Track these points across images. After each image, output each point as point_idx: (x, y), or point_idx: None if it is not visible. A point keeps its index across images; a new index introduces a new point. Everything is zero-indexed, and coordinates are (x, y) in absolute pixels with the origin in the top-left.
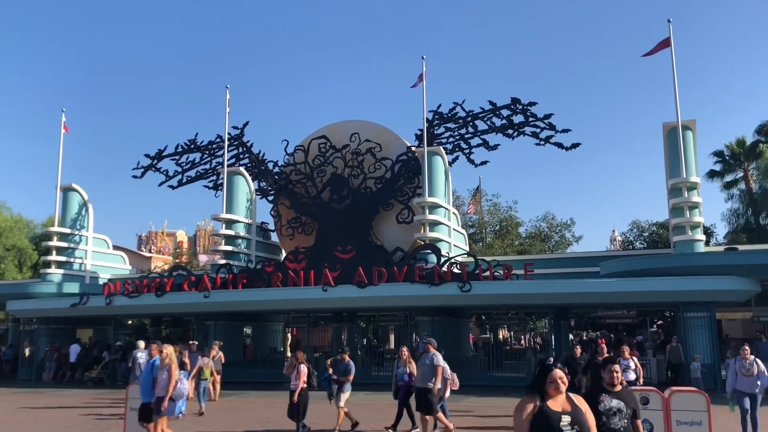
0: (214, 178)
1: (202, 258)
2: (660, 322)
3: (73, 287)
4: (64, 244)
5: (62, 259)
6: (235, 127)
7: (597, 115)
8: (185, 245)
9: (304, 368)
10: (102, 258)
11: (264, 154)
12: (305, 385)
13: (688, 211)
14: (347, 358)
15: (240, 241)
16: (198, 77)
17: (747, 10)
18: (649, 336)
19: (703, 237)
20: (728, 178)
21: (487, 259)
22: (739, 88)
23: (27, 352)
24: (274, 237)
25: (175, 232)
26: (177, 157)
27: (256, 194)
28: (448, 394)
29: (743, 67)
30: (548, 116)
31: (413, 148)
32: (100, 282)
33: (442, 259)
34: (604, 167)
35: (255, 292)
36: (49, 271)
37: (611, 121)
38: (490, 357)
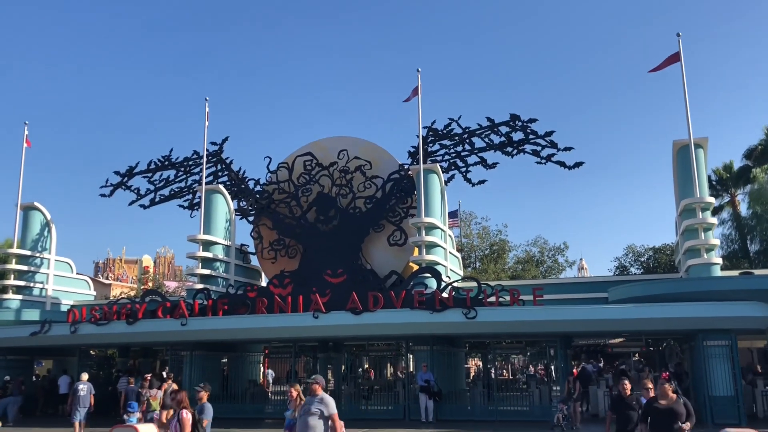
0: (190, 197)
1: (170, 284)
2: (640, 350)
3: (32, 314)
4: (24, 267)
5: (21, 283)
6: (213, 143)
7: (593, 137)
8: (151, 270)
9: (186, 415)
10: (65, 283)
11: (245, 172)
12: None
13: (702, 233)
14: (204, 396)
15: (218, 264)
16: (174, 88)
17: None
18: (632, 365)
19: (719, 260)
20: (716, 203)
21: (491, 283)
22: (724, 111)
23: None
24: (254, 260)
25: (136, 258)
26: (150, 175)
27: (236, 214)
28: None
29: (732, 93)
30: (549, 133)
31: (405, 167)
32: (63, 308)
33: (443, 284)
34: (597, 190)
35: (238, 319)
36: (6, 296)
37: (608, 143)
38: (489, 389)
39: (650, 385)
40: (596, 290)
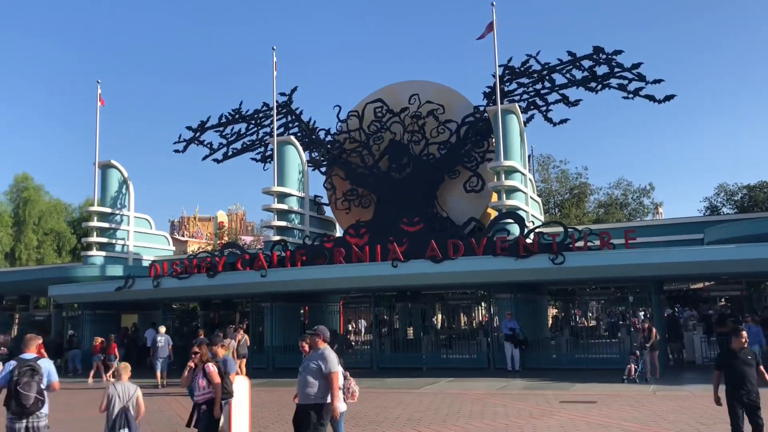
0: (262, 149)
1: (245, 239)
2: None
3: (116, 270)
4: (105, 225)
5: (104, 240)
6: (282, 94)
7: (680, 66)
8: (227, 225)
9: (212, 368)
10: (145, 239)
11: (315, 122)
12: (223, 395)
13: None
14: (220, 350)
15: (293, 216)
16: (241, 38)
17: None
18: (718, 311)
19: None
20: None
21: (579, 227)
22: None
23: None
24: (328, 211)
25: (209, 216)
26: (221, 129)
27: (308, 165)
28: (343, 408)
29: None
30: (637, 66)
31: (481, 108)
32: (144, 264)
33: (526, 229)
34: (678, 128)
35: (317, 269)
36: (90, 253)
37: (694, 74)
38: (577, 337)
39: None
40: (690, 231)
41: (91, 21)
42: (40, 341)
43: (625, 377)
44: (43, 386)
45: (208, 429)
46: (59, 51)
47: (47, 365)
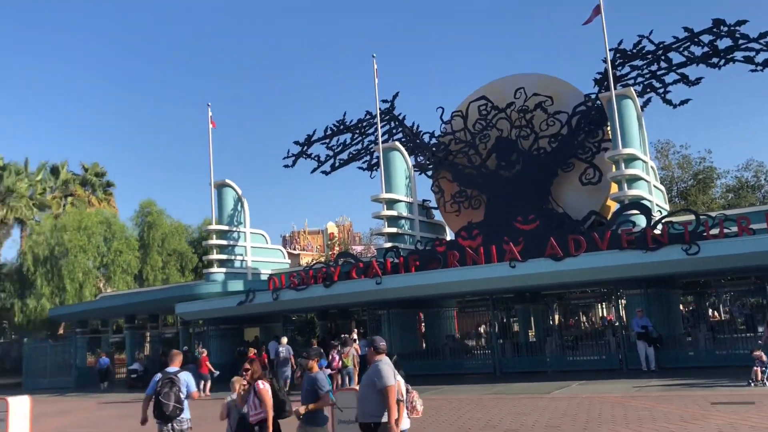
0: (368, 158)
1: (356, 248)
2: None
3: (236, 285)
4: (224, 242)
5: (223, 257)
6: (384, 101)
7: None
8: (337, 236)
9: (263, 386)
10: (261, 253)
11: (418, 126)
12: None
13: None
14: (315, 365)
15: (403, 221)
16: (340, 48)
17: None
18: None
19: None
20: None
21: (712, 214)
22: None
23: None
24: (437, 215)
25: (318, 229)
26: (327, 141)
27: (414, 170)
28: (405, 426)
29: None
30: (765, 34)
31: (592, 96)
32: (263, 278)
33: (653, 220)
34: None
35: (432, 274)
36: (211, 270)
37: None
38: (714, 332)
39: None
40: None
41: (199, 48)
42: (181, 357)
43: (751, 380)
44: (182, 395)
45: None
46: (173, 75)
47: (186, 377)
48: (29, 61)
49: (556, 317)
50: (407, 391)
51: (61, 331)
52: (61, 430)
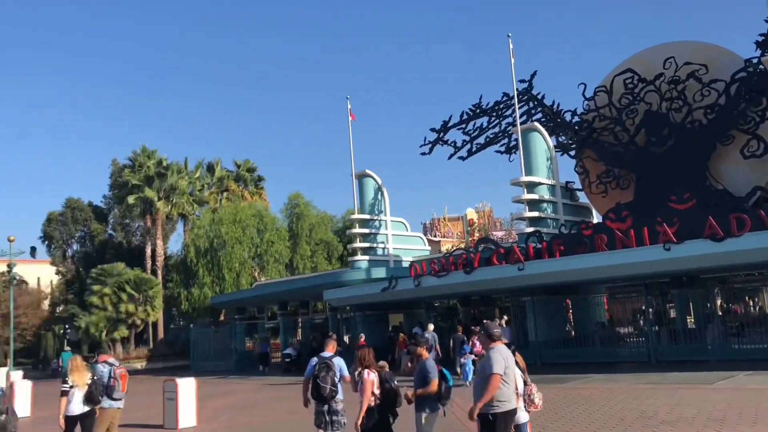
0: (506, 140)
1: (497, 233)
2: None
3: (379, 272)
4: (366, 231)
5: (366, 245)
6: (522, 81)
7: None
8: (477, 222)
9: (369, 376)
10: (402, 241)
11: (559, 105)
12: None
13: None
14: (424, 352)
15: (545, 205)
16: (474, 29)
17: None
18: None
19: None
20: None
21: None
22: None
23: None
24: (582, 197)
25: (457, 216)
26: (463, 126)
27: (556, 151)
28: (524, 419)
29: None
30: None
31: (754, 61)
32: (404, 265)
33: None
34: None
35: (578, 259)
36: (356, 258)
37: None
38: None
39: None
40: None
41: (337, 47)
42: (335, 343)
43: None
44: (336, 379)
45: None
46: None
47: (339, 362)
48: (184, 71)
49: (718, 302)
50: (525, 383)
51: (222, 318)
52: (224, 410)
